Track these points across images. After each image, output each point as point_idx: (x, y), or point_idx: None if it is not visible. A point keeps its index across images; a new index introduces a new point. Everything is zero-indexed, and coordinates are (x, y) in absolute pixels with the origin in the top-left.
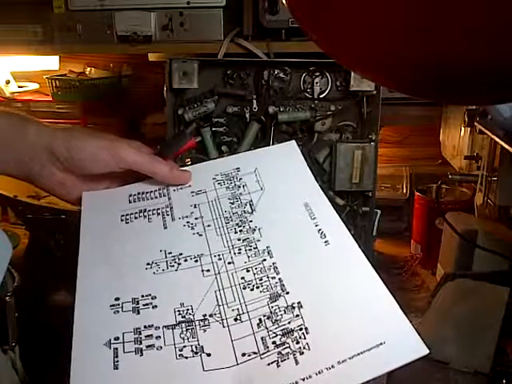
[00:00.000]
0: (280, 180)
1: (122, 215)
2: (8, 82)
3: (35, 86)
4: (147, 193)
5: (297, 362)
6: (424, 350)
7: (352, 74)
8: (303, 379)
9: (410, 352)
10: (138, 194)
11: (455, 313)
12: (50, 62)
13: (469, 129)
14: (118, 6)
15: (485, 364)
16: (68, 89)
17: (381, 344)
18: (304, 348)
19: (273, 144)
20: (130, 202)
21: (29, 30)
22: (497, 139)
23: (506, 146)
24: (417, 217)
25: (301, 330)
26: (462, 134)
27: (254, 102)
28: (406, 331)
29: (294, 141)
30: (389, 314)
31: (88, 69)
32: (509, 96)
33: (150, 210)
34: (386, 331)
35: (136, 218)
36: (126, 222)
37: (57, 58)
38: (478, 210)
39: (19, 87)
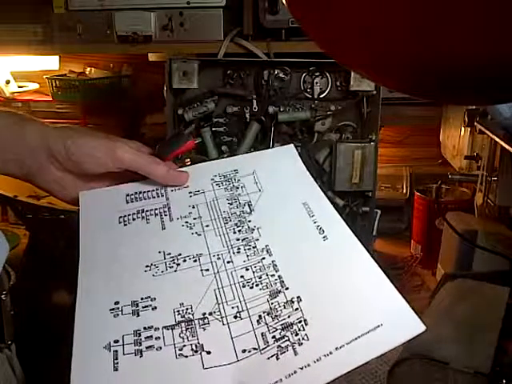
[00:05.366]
0: (278, 182)
1: (120, 216)
2: (8, 82)
3: (35, 86)
4: (145, 192)
5: (296, 353)
6: (421, 327)
7: (352, 74)
8: (301, 368)
9: (408, 331)
10: (136, 193)
11: (455, 313)
12: (50, 62)
13: (469, 129)
14: (117, 5)
15: (485, 364)
16: (68, 89)
17: (378, 326)
18: (303, 339)
19: (273, 144)
20: (127, 202)
21: (29, 30)
22: (497, 139)
23: (506, 146)
24: (417, 217)
25: (300, 322)
26: (462, 133)
27: (254, 102)
28: (403, 311)
29: (292, 144)
30: (385, 297)
31: (88, 69)
32: (509, 96)
33: (147, 211)
34: (383, 313)
35: (134, 219)
36: (125, 224)
37: (57, 58)
38: (478, 209)
39: (19, 87)
